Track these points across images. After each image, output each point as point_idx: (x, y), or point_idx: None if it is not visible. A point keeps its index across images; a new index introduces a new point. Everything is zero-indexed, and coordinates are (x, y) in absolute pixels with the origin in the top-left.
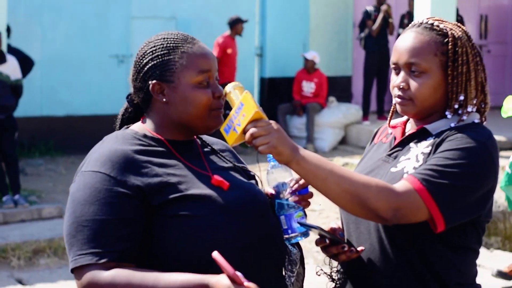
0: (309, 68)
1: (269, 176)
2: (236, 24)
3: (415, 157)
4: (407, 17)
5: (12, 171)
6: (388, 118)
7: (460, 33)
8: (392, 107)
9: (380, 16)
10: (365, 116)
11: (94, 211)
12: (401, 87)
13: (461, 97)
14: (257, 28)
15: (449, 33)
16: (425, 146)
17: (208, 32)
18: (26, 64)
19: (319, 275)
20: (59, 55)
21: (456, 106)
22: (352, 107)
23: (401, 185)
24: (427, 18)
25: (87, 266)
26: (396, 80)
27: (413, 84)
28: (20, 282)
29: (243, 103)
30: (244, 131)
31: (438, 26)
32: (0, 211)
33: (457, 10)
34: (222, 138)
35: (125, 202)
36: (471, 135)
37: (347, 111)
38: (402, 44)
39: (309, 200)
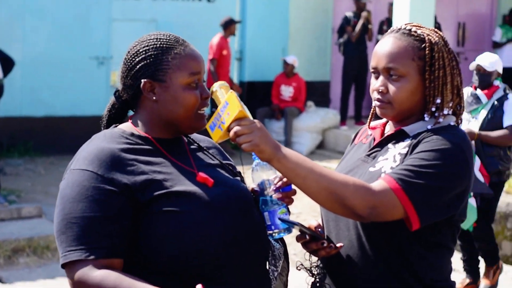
0: (288, 73)
1: (254, 173)
2: (229, 25)
3: (393, 157)
4: (386, 24)
5: None
6: (368, 120)
7: (437, 38)
8: (372, 109)
9: (360, 22)
10: (343, 121)
11: (82, 208)
12: (380, 90)
13: (438, 100)
14: (237, 32)
15: (426, 38)
16: (402, 147)
17: (188, 35)
18: (7, 64)
19: (299, 269)
20: (39, 56)
21: (433, 109)
22: (330, 112)
23: (377, 184)
24: (405, 24)
25: (77, 262)
26: (375, 84)
27: (391, 88)
28: (0, 280)
29: (228, 102)
30: (229, 129)
31: (415, 32)
32: None
33: (435, 18)
34: (209, 136)
35: (113, 199)
36: (446, 136)
37: (325, 115)
38: (381, 49)
39: (292, 197)
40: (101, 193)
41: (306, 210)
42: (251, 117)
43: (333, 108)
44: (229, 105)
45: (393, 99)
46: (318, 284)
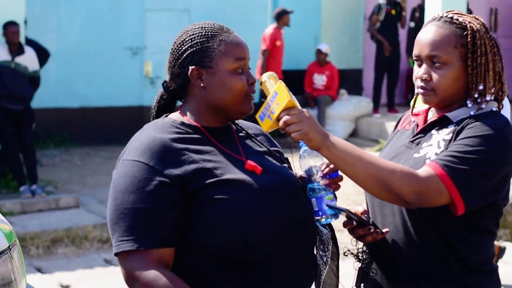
0: (321, 61)
1: (301, 160)
2: (282, 16)
3: (437, 144)
4: (418, 11)
5: (29, 161)
6: (411, 107)
7: (478, 25)
8: (415, 96)
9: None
10: (376, 108)
11: (133, 199)
12: (423, 78)
13: (480, 87)
14: (268, 21)
15: (468, 26)
16: (446, 133)
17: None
18: (42, 55)
19: (346, 255)
20: (74, 47)
21: (476, 95)
22: (362, 100)
23: (424, 171)
24: (447, 12)
25: (130, 252)
26: (418, 72)
27: (434, 75)
28: (39, 270)
29: (277, 92)
30: (278, 119)
31: (457, 19)
32: (18, 201)
33: (467, 4)
34: (257, 123)
35: (164, 191)
36: (489, 122)
37: (357, 103)
38: (424, 38)
39: (339, 183)
40: (153, 185)
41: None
42: (299, 107)
43: (365, 96)
44: (278, 95)
45: (436, 87)
46: (365, 269)
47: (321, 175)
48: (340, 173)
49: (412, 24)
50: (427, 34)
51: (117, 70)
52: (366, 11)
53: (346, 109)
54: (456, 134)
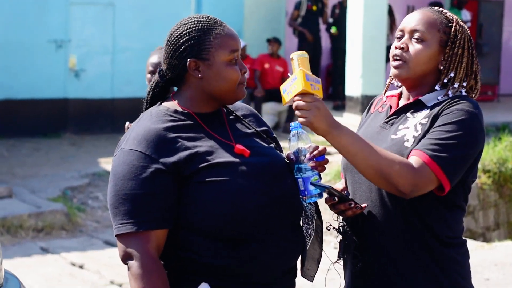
0: (243, 55)
1: (290, 142)
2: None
3: (414, 127)
4: (339, 7)
5: None
6: (384, 89)
7: (463, 25)
8: (388, 80)
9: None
10: None
11: (132, 186)
12: (402, 47)
13: (452, 74)
14: (192, 10)
15: (455, 20)
16: (422, 117)
17: (145, 19)
18: None
19: (328, 229)
20: None
21: (445, 81)
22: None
23: (416, 163)
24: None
25: (129, 233)
26: (397, 43)
27: (411, 48)
28: None
29: (296, 77)
30: (294, 100)
31: (446, 13)
32: None
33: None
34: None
35: (160, 177)
36: (463, 107)
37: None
38: (411, 16)
39: (324, 166)
40: (149, 172)
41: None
42: (318, 93)
43: None
44: (296, 80)
45: (409, 58)
46: (346, 242)
47: (309, 157)
48: (326, 156)
49: (331, 20)
50: (417, 13)
51: (41, 63)
52: (288, 7)
53: (269, 104)
54: (432, 119)
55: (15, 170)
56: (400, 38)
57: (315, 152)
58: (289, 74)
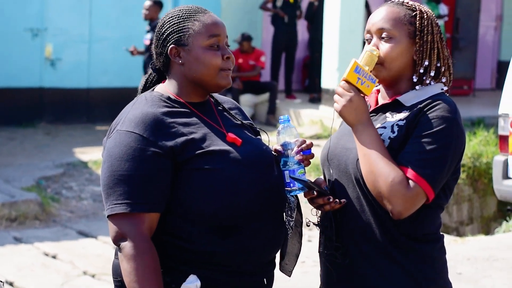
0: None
1: (278, 135)
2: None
3: (390, 128)
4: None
5: None
6: None
7: (427, 9)
8: None
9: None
10: None
11: (129, 167)
12: None
13: (426, 63)
14: (170, 6)
15: (417, 8)
16: (399, 118)
17: (122, 9)
18: None
19: (308, 226)
20: None
21: (421, 71)
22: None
23: (414, 188)
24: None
25: (122, 214)
26: (368, 46)
27: (382, 47)
28: None
29: (349, 65)
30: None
31: (408, 2)
32: None
33: None
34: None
35: (157, 161)
36: (443, 115)
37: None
38: (375, 15)
39: (310, 160)
40: (147, 154)
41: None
42: (363, 88)
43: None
44: (348, 67)
45: (384, 59)
46: (326, 236)
47: (296, 150)
48: (312, 151)
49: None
50: (379, 12)
51: (17, 52)
52: None
53: (245, 96)
54: (409, 121)
55: None
56: (368, 40)
57: (302, 146)
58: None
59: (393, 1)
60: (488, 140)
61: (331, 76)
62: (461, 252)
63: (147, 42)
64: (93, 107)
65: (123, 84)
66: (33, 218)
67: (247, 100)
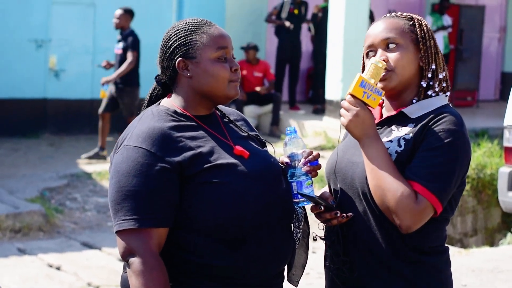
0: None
1: (285, 146)
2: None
3: (397, 141)
4: (321, 11)
5: None
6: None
7: (421, 18)
8: None
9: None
10: None
11: (136, 182)
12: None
13: (433, 66)
14: (174, 16)
15: (413, 17)
16: (406, 132)
17: None
18: None
19: (315, 240)
20: None
21: (430, 75)
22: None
23: (422, 202)
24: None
25: (130, 230)
26: (374, 58)
27: (391, 56)
28: None
29: (355, 79)
30: (345, 97)
31: (402, 14)
32: None
33: (369, 5)
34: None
35: (164, 176)
36: (450, 128)
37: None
38: (376, 28)
39: (317, 171)
40: (154, 170)
41: None
42: (370, 102)
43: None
44: (354, 81)
45: (395, 66)
46: (332, 250)
47: (304, 162)
48: (319, 162)
49: (311, 25)
50: (378, 25)
51: (21, 62)
52: (270, 9)
53: (249, 107)
54: (416, 135)
55: None
56: (370, 53)
57: (309, 157)
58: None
59: (386, 16)
60: (492, 152)
61: (335, 87)
62: (466, 264)
63: (119, 52)
64: (96, 118)
65: None
66: (37, 230)
67: (250, 111)
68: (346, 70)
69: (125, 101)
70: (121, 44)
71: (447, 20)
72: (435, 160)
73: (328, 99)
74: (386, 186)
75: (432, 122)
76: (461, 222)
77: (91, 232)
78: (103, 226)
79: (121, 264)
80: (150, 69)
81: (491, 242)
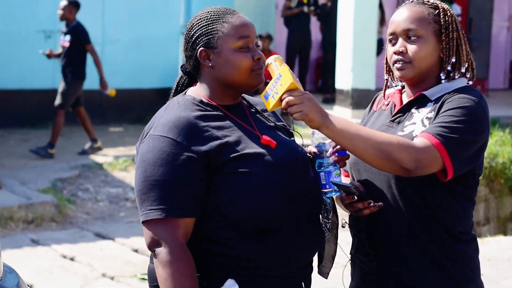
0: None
1: (313, 137)
2: None
3: (421, 122)
4: (330, 0)
5: None
6: (383, 90)
7: (447, 7)
8: (385, 83)
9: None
10: None
11: (163, 172)
12: (400, 50)
13: (453, 60)
14: (182, 7)
15: (439, 5)
16: (427, 111)
17: (134, 11)
18: None
19: (343, 227)
20: None
21: (449, 68)
22: None
23: (419, 141)
24: None
25: (157, 220)
26: (394, 47)
27: (410, 48)
28: None
29: (281, 74)
30: (281, 99)
31: (428, 1)
32: None
33: None
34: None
35: (191, 165)
36: (467, 96)
37: None
38: (399, 16)
39: (345, 161)
40: (181, 159)
41: None
42: (302, 89)
43: None
44: (282, 77)
45: (413, 58)
46: (359, 240)
47: (332, 151)
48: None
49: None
50: (402, 13)
51: (30, 53)
52: (278, 0)
53: (258, 97)
54: (438, 110)
55: (4, 161)
56: (392, 41)
57: (337, 147)
58: (267, 80)
59: (413, 1)
60: (504, 140)
61: (345, 76)
62: (481, 253)
63: (66, 44)
64: (106, 108)
65: (135, 86)
66: (49, 220)
67: (261, 101)
68: (356, 60)
69: (67, 91)
70: (68, 37)
71: (456, 9)
72: (448, 119)
73: (338, 89)
74: (377, 141)
75: (450, 93)
76: (473, 210)
77: (104, 222)
78: (116, 216)
79: (135, 254)
80: (156, 61)
81: (504, 231)
